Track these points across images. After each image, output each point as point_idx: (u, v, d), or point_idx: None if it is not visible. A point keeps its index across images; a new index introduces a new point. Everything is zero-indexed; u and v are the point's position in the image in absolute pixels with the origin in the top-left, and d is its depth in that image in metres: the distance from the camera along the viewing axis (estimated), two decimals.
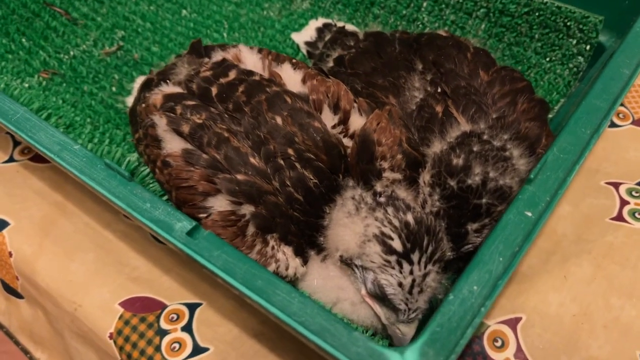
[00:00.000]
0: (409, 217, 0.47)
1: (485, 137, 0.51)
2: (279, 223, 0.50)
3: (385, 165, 0.52)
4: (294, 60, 0.61)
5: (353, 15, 0.92)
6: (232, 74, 0.57)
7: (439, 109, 0.56)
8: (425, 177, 0.51)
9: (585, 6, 0.78)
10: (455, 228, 0.49)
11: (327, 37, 0.82)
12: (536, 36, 0.82)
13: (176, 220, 0.44)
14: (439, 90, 0.58)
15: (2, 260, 0.70)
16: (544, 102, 0.58)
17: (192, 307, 0.62)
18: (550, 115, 0.76)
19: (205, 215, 0.51)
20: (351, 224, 0.48)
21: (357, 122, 0.54)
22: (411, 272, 0.46)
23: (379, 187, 0.51)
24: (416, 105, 0.58)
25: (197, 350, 0.59)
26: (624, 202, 0.69)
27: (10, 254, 0.69)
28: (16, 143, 0.79)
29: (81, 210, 0.71)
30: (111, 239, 0.69)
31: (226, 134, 0.53)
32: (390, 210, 0.48)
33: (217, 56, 0.61)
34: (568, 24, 0.79)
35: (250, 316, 0.61)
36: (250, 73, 0.57)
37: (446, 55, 0.61)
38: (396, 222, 0.47)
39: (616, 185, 0.70)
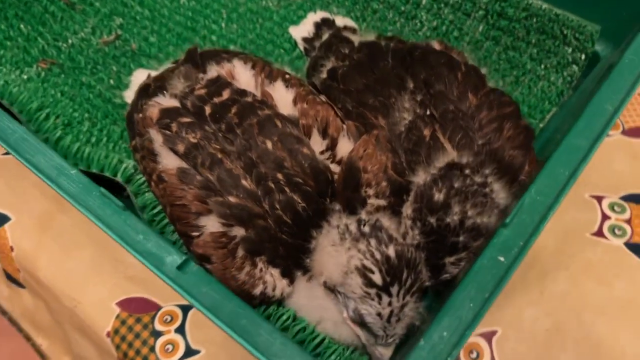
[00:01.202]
0: (390, 251, 0.49)
1: (467, 171, 0.53)
2: (268, 247, 0.52)
3: (370, 192, 0.54)
4: (287, 76, 0.62)
5: (352, 9, 0.92)
6: (226, 94, 0.58)
7: (426, 132, 0.58)
8: (408, 210, 0.53)
9: (583, 15, 0.78)
10: (434, 260, 0.51)
11: (325, 35, 0.82)
12: (533, 41, 0.82)
13: (167, 253, 0.46)
14: (428, 112, 0.59)
15: (4, 253, 0.73)
16: (529, 129, 0.59)
17: (185, 309, 0.65)
18: (540, 125, 0.78)
19: (197, 233, 0.53)
20: (335, 254, 0.51)
21: (344, 147, 0.56)
22: (390, 304, 0.49)
23: (363, 215, 0.53)
24: (405, 127, 0.59)
25: (189, 352, 0.62)
26: (605, 217, 0.71)
27: (12, 249, 0.72)
28: None
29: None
30: (107, 236, 0.71)
31: (219, 155, 0.54)
32: (372, 242, 0.50)
33: (212, 71, 0.62)
34: (565, 31, 0.79)
35: None
36: (244, 93, 0.59)
37: (437, 75, 0.61)
38: (378, 256, 0.49)
39: (599, 199, 0.73)
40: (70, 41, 0.88)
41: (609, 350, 0.62)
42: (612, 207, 0.72)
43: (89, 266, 0.68)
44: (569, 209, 0.71)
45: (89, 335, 0.67)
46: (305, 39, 0.85)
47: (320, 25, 0.86)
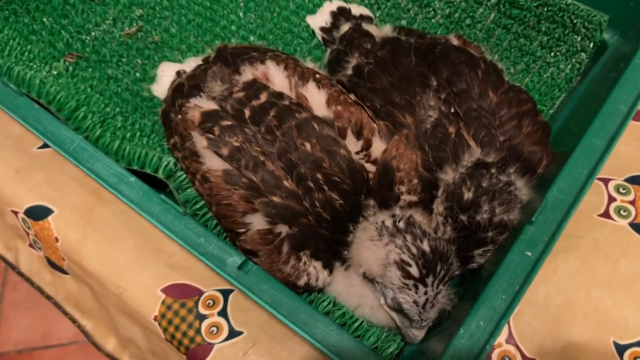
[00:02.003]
0: (425, 246, 0.54)
1: (493, 169, 0.57)
2: (310, 242, 0.57)
3: (403, 189, 0.59)
4: (317, 76, 0.66)
5: None
6: (264, 97, 0.62)
7: (451, 129, 0.62)
8: (439, 207, 0.58)
9: (592, 4, 0.82)
10: (463, 252, 0.57)
11: (342, 25, 0.85)
12: (543, 29, 0.85)
13: (228, 255, 0.51)
14: (452, 110, 0.63)
15: (49, 243, 0.78)
16: (546, 125, 0.63)
17: (225, 293, 0.71)
18: (551, 111, 0.82)
19: (243, 230, 0.58)
20: (374, 248, 0.56)
21: (378, 147, 0.60)
22: (425, 293, 0.54)
23: (397, 211, 0.58)
24: (430, 125, 0.63)
25: (233, 333, 0.68)
26: (611, 199, 0.76)
27: (57, 239, 0.76)
28: None
29: (116, 197, 0.78)
30: (147, 225, 0.75)
31: (262, 158, 0.59)
32: (409, 238, 0.55)
33: (247, 73, 0.66)
34: (574, 20, 0.83)
35: None
36: (280, 96, 0.62)
37: (459, 73, 0.65)
38: (414, 250, 0.54)
39: (606, 182, 0.77)
40: (93, 34, 0.91)
41: (614, 321, 0.68)
42: (617, 189, 0.77)
43: (132, 255, 0.73)
44: None
45: (136, 319, 0.72)
46: (323, 29, 0.88)
47: (337, 15, 0.88)
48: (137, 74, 0.87)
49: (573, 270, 0.71)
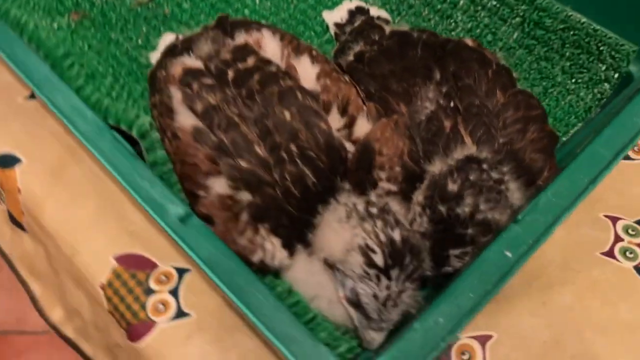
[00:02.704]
0: (396, 235, 0.48)
1: (485, 165, 0.52)
2: (272, 215, 0.52)
3: (383, 175, 0.53)
4: (313, 53, 0.62)
5: (388, 1, 0.91)
6: (251, 61, 0.58)
7: (447, 124, 0.57)
8: (419, 197, 0.52)
9: (622, 33, 0.77)
10: (438, 251, 0.50)
11: (357, 22, 0.82)
12: (567, 54, 0.80)
13: (171, 204, 0.46)
14: (452, 105, 0.58)
15: (11, 193, 0.73)
16: (553, 135, 0.58)
17: (181, 272, 0.65)
18: (564, 138, 0.76)
19: (204, 194, 0.53)
20: (340, 230, 0.50)
21: (362, 127, 0.55)
22: (388, 287, 0.48)
23: (373, 197, 0.52)
24: (425, 117, 0.58)
25: (180, 314, 0.62)
26: (618, 239, 0.69)
27: (19, 190, 0.72)
28: None
29: (90, 158, 0.73)
30: (114, 189, 0.71)
31: (237, 119, 0.54)
32: (379, 223, 0.49)
33: (240, 38, 0.62)
34: (601, 48, 0.78)
35: None
36: (268, 62, 0.58)
37: (467, 69, 0.60)
38: (382, 237, 0.48)
39: (614, 220, 0.71)
40: None
41: None
42: (626, 229, 0.70)
43: (93, 218, 0.68)
44: (582, 225, 0.70)
45: (83, 285, 0.67)
46: (337, 24, 0.85)
47: (354, 13, 0.85)
48: (140, 41, 0.84)
49: (566, 306, 0.64)
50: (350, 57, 0.67)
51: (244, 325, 0.61)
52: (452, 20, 0.87)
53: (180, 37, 0.70)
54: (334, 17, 0.87)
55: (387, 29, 0.73)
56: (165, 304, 0.62)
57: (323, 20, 0.88)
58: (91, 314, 0.69)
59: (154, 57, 0.80)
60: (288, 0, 0.91)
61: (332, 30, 0.85)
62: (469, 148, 0.54)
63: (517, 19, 0.83)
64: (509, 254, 0.43)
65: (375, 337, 0.51)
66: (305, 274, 0.54)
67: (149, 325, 0.61)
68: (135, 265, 0.65)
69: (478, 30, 0.86)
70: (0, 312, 1.68)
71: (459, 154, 0.54)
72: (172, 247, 0.67)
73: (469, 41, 0.69)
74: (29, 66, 0.53)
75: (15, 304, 1.66)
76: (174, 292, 0.63)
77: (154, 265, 0.65)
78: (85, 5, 0.86)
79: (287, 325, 0.40)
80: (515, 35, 0.84)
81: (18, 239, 0.78)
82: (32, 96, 0.80)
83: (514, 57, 0.84)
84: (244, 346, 0.59)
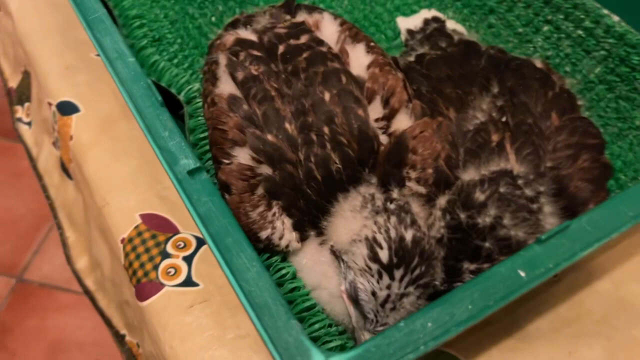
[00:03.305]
0: (408, 234, 0.45)
1: (520, 181, 0.47)
2: (287, 194, 0.50)
3: (412, 175, 0.50)
4: (371, 43, 0.60)
5: (468, 18, 0.88)
6: (303, 39, 0.57)
7: (494, 138, 0.53)
8: (441, 200, 0.48)
9: None
10: (452, 261, 0.47)
11: (428, 30, 0.79)
12: None
13: (184, 156, 0.45)
14: (503, 119, 0.54)
15: (64, 140, 0.76)
16: (608, 167, 0.52)
17: (200, 242, 0.64)
18: (629, 184, 0.70)
19: (227, 162, 0.52)
20: (351, 219, 0.47)
21: (402, 122, 0.52)
22: (388, 287, 0.45)
23: (395, 194, 0.49)
24: (474, 127, 0.55)
25: (188, 282, 0.61)
26: None
27: (72, 137, 0.75)
28: None
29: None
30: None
31: (273, 93, 0.53)
32: (393, 219, 0.46)
33: (300, 17, 0.61)
34: None
35: None
36: (320, 42, 0.57)
37: (526, 86, 0.56)
38: (392, 234, 0.45)
39: None
40: None
41: None
42: None
43: (129, 174, 0.70)
44: (632, 281, 0.63)
45: (107, 238, 0.68)
46: (409, 31, 0.83)
47: (429, 22, 0.83)
48: (213, 19, 0.86)
49: None
50: (411, 58, 0.65)
51: None
52: (531, 45, 0.83)
53: (244, 14, 0.70)
54: (408, 24, 0.84)
55: (457, 38, 0.70)
56: (177, 268, 0.62)
57: (396, 27, 0.86)
58: (110, 268, 0.70)
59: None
60: (366, 1, 0.90)
61: (404, 36, 0.83)
62: (510, 164, 0.50)
63: (602, 52, 0.77)
64: (522, 273, 0.38)
65: (367, 339, 0.48)
66: (311, 262, 0.51)
67: (157, 286, 0.61)
68: (158, 226, 0.65)
69: (557, 60, 0.81)
70: (53, 267, 1.77)
71: (495, 166, 0.50)
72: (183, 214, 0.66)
73: (537, 62, 0.64)
74: (86, 6, 0.54)
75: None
76: (188, 260, 0.63)
77: (175, 230, 0.65)
78: None
79: (266, 295, 0.38)
80: (597, 70, 0.78)
81: (64, 185, 0.81)
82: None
83: (591, 92, 0.78)
84: (244, 329, 0.58)
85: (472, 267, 0.46)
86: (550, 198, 0.48)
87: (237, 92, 0.54)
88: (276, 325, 0.37)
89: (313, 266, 0.51)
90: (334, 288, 0.50)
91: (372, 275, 0.45)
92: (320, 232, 0.51)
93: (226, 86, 0.56)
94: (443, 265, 0.46)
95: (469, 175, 0.50)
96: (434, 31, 0.73)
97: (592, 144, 0.53)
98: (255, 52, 0.57)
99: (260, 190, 0.51)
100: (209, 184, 0.44)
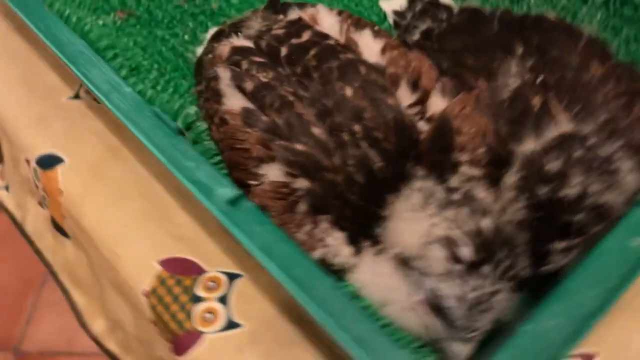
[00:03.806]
0: (485, 223, 0.40)
1: (589, 143, 0.43)
2: (334, 205, 0.45)
3: (463, 158, 0.45)
4: (375, 28, 0.55)
5: None
6: (306, 35, 0.52)
7: (535, 101, 0.49)
8: (510, 179, 0.43)
9: None
10: (538, 244, 0.42)
11: (418, 7, 0.74)
12: None
13: (219, 185, 0.39)
14: (539, 80, 0.50)
15: (53, 196, 0.69)
16: None
17: (232, 277, 0.58)
18: None
19: (256, 182, 0.47)
20: (414, 220, 0.42)
21: (437, 104, 0.48)
22: (477, 288, 0.39)
23: (453, 183, 0.44)
24: (509, 95, 0.50)
25: (230, 324, 0.55)
26: None
27: (61, 192, 0.67)
28: None
29: (134, 157, 0.69)
30: (159, 191, 0.65)
31: (291, 98, 0.48)
32: (463, 211, 0.41)
33: (293, 14, 0.56)
34: None
35: (291, 298, 0.56)
36: (325, 36, 0.52)
37: (553, 40, 0.52)
38: (469, 227, 0.40)
39: None
40: None
41: None
42: None
43: (136, 219, 0.63)
44: None
45: (125, 292, 0.61)
46: (396, 12, 0.78)
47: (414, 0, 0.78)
48: (186, 37, 0.79)
49: None
50: (416, 36, 0.60)
51: (304, 338, 0.54)
52: (524, 3, 0.79)
53: (228, 22, 0.64)
54: (392, 5, 0.80)
55: (455, 7, 0.66)
56: (213, 312, 0.56)
57: (380, 11, 0.82)
58: (134, 326, 0.64)
59: (201, 51, 0.76)
60: None
61: (391, 18, 0.78)
62: (565, 126, 0.46)
63: None
64: (635, 242, 0.34)
65: (461, 350, 0.42)
66: (372, 276, 0.46)
67: (195, 336, 0.55)
68: (181, 270, 0.59)
69: (554, 14, 0.77)
70: (50, 331, 1.67)
71: (553, 132, 0.45)
72: (221, 252, 0.60)
73: (550, 15, 0.60)
74: (61, 40, 0.48)
75: (67, 325, 1.64)
76: (224, 300, 0.56)
77: (201, 270, 0.59)
78: (132, 4, 0.83)
79: (359, 324, 0.32)
80: (598, 16, 0.75)
81: (60, 246, 0.74)
82: (76, 96, 0.76)
83: None
84: None
85: (562, 245, 0.41)
86: (623, 154, 0.43)
87: (249, 105, 0.49)
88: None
89: (375, 280, 0.45)
90: (405, 300, 0.44)
91: (456, 278, 0.40)
92: (375, 241, 0.46)
93: (234, 101, 0.50)
94: (527, 250, 0.41)
95: (527, 146, 0.45)
96: (427, 5, 0.69)
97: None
98: (258, 59, 0.51)
99: (302, 207, 0.45)
100: (256, 211, 0.39)
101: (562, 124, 0.46)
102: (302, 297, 0.33)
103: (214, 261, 0.59)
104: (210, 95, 0.53)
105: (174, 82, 0.71)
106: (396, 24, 0.77)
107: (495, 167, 0.46)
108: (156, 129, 0.42)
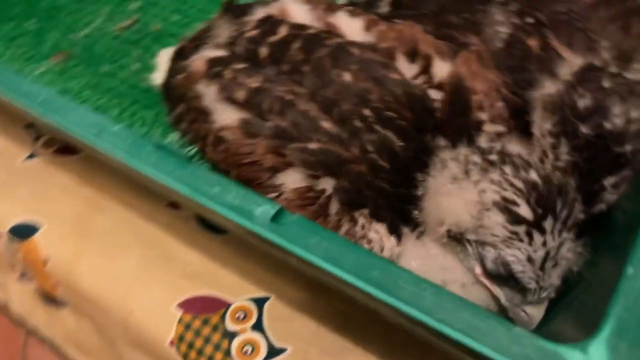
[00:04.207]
0: (534, 176, 0.38)
1: (612, 69, 0.42)
2: (368, 197, 0.42)
3: (484, 116, 0.43)
4: (349, 8, 0.52)
5: None
6: (283, 31, 0.48)
7: (532, 43, 0.47)
8: (544, 126, 0.41)
9: None
10: (588, 184, 0.40)
11: None
12: None
13: (255, 204, 0.35)
14: (530, 20, 0.48)
15: (37, 268, 0.63)
16: None
17: (259, 302, 0.54)
18: None
19: (275, 194, 0.43)
20: (460, 191, 0.40)
21: (442, 69, 0.45)
22: (544, 244, 0.37)
23: (483, 143, 0.42)
24: (503, 43, 0.48)
25: (273, 351, 0.51)
26: None
27: (46, 262, 0.61)
28: (38, 136, 0.70)
29: (117, 204, 0.63)
30: (155, 232, 0.61)
31: (289, 97, 0.44)
32: (508, 169, 0.39)
33: (260, 13, 0.52)
34: None
35: (328, 305, 0.53)
36: (304, 27, 0.49)
37: None
38: (520, 184, 0.38)
39: None
40: (83, 32, 0.79)
41: None
42: None
43: (139, 268, 0.58)
44: None
45: (148, 347, 0.56)
46: None
47: None
48: (135, 66, 0.74)
49: None
50: (386, 8, 0.58)
51: (353, 344, 0.51)
52: None
53: (185, 40, 0.60)
54: None
55: None
56: (252, 344, 0.52)
57: None
58: None
59: (157, 78, 0.70)
60: None
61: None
62: (573, 62, 0.44)
63: None
64: None
65: (534, 314, 0.40)
66: (422, 260, 0.43)
67: None
68: (204, 308, 0.54)
69: None
70: None
71: (566, 69, 0.43)
72: (240, 278, 0.56)
73: None
74: (25, 93, 0.43)
75: None
76: (259, 327, 0.53)
77: (225, 304, 0.55)
78: (65, 46, 0.77)
79: (462, 313, 0.29)
80: None
81: (56, 318, 0.68)
82: (31, 156, 0.70)
83: None
84: None
85: (613, 180, 0.40)
86: None
87: (246, 115, 0.45)
88: (500, 343, 0.28)
89: (426, 264, 0.43)
90: (463, 276, 0.42)
91: (522, 240, 0.37)
92: (414, 225, 0.43)
93: (226, 115, 0.46)
94: (580, 193, 0.40)
95: (545, 90, 0.43)
96: None
97: (632, 7, 0.48)
98: (241, 65, 0.47)
99: (334, 207, 0.42)
100: (306, 222, 0.35)
101: (572, 60, 0.44)
102: (392, 301, 0.30)
103: (236, 290, 0.55)
104: (196, 116, 0.49)
105: (139, 114, 0.66)
106: (354, 4, 0.74)
107: (517, 119, 0.44)
108: (164, 161, 0.38)
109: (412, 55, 0.45)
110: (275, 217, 0.35)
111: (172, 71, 0.56)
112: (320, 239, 0.33)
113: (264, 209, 0.35)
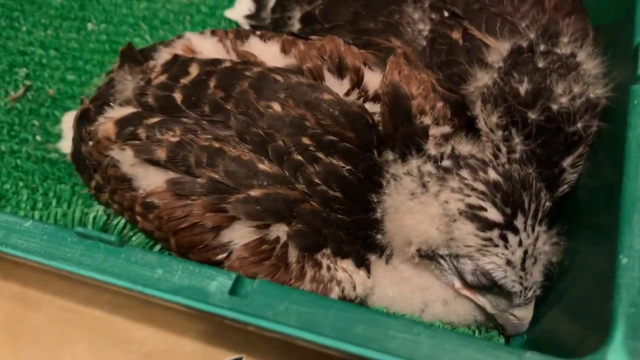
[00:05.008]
0: (494, 175, 0.36)
1: (542, 47, 0.40)
2: (327, 234, 0.38)
3: (428, 120, 0.40)
4: (258, 32, 0.48)
5: None
6: (194, 69, 0.44)
7: (455, 35, 0.45)
8: (490, 120, 0.39)
9: None
10: (547, 170, 0.38)
11: (271, 3, 0.69)
12: None
13: (207, 279, 0.31)
14: (447, 14, 0.47)
15: None
16: None
17: None
18: None
19: (224, 255, 0.39)
20: (421, 207, 0.37)
21: (373, 79, 0.42)
22: (520, 243, 0.35)
23: (433, 150, 0.39)
24: (427, 40, 0.46)
25: None
26: None
27: None
28: None
29: (49, 294, 0.57)
30: (100, 316, 0.54)
31: (216, 145, 0.40)
32: (465, 173, 0.36)
33: (164, 55, 0.47)
34: None
35: (303, 357, 0.49)
36: (217, 61, 0.44)
37: None
38: (481, 187, 0.36)
39: None
40: None
41: None
42: None
43: (91, 357, 0.52)
44: None
45: None
46: (249, 17, 0.72)
47: None
48: (38, 138, 0.68)
49: None
50: (297, 25, 0.54)
51: None
52: None
53: (86, 101, 0.54)
54: (239, 11, 0.74)
55: None
56: None
57: (231, 21, 0.75)
58: None
59: (64, 146, 0.64)
60: (180, 20, 0.78)
61: (246, 24, 0.72)
62: (498, 47, 0.43)
63: None
64: None
65: (523, 315, 0.38)
66: (397, 286, 0.40)
67: None
68: None
69: None
70: None
71: (495, 57, 0.42)
72: (205, 344, 0.51)
73: None
74: None
75: None
76: None
77: None
78: None
79: (465, 351, 0.26)
80: None
81: None
82: None
83: None
84: None
85: (570, 159, 0.38)
86: (575, 45, 0.41)
87: (172, 175, 0.40)
88: None
89: (403, 289, 0.40)
90: (443, 293, 0.39)
91: (497, 245, 0.35)
92: (381, 250, 0.40)
93: (150, 178, 0.41)
94: (542, 181, 0.38)
95: (480, 81, 0.41)
96: None
97: None
98: (154, 119, 0.42)
99: (293, 255, 0.38)
100: (269, 287, 0.31)
101: (499, 46, 0.42)
102: (385, 357, 0.26)
103: (203, 357, 0.50)
104: (116, 185, 0.43)
105: (53, 192, 0.60)
106: (256, 27, 0.71)
107: (460, 116, 0.41)
108: (91, 252, 0.32)
109: (340, 70, 0.42)
110: (234, 289, 0.30)
111: (79, 139, 0.50)
112: (290, 303, 0.29)
113: (219, 283, 0.30)
